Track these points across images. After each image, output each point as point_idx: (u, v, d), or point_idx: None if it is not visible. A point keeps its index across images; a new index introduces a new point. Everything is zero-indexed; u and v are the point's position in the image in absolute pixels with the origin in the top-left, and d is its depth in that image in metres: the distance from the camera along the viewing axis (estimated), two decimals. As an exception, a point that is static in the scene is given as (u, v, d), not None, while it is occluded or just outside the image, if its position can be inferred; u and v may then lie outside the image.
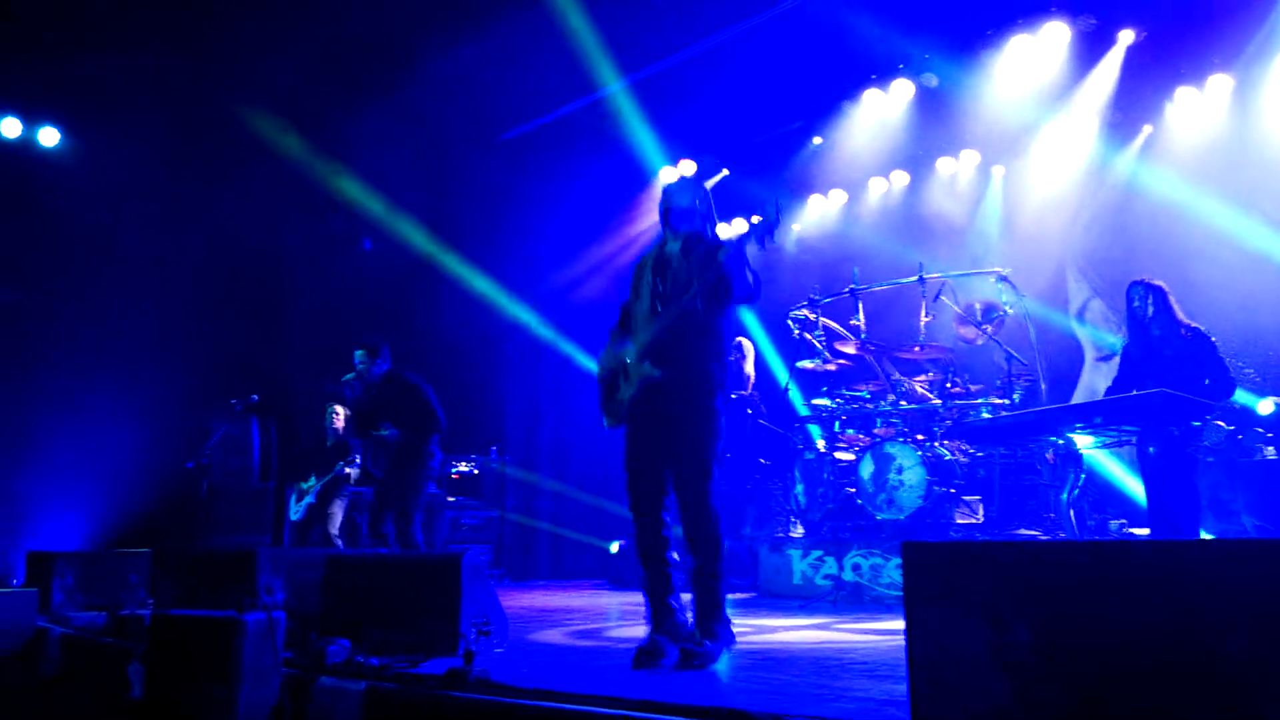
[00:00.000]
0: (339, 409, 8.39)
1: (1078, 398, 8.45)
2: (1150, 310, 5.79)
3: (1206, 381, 5.57)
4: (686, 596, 4.05)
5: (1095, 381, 8.62)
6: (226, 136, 9.26)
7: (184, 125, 9.23)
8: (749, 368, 8.87)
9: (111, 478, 8.87)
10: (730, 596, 7.02)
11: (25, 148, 9.34)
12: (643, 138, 10.07)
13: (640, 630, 4.14)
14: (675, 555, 4.04)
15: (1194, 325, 5.77)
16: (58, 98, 9.20)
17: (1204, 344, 5.68)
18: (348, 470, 8.03)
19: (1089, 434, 5.94)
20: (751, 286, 3.99)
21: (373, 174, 10.12)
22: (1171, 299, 5.82)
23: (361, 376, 7.06)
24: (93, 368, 8.91)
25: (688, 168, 11.04)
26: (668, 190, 4.28)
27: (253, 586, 4.22)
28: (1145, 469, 5.58)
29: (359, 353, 7.09)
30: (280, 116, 9.35)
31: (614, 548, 8.85)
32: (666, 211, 4.23)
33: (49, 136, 9.44)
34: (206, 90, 8.95)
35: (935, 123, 9.52)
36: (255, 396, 8.17)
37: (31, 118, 9.34)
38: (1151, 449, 5.38)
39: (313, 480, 7.96)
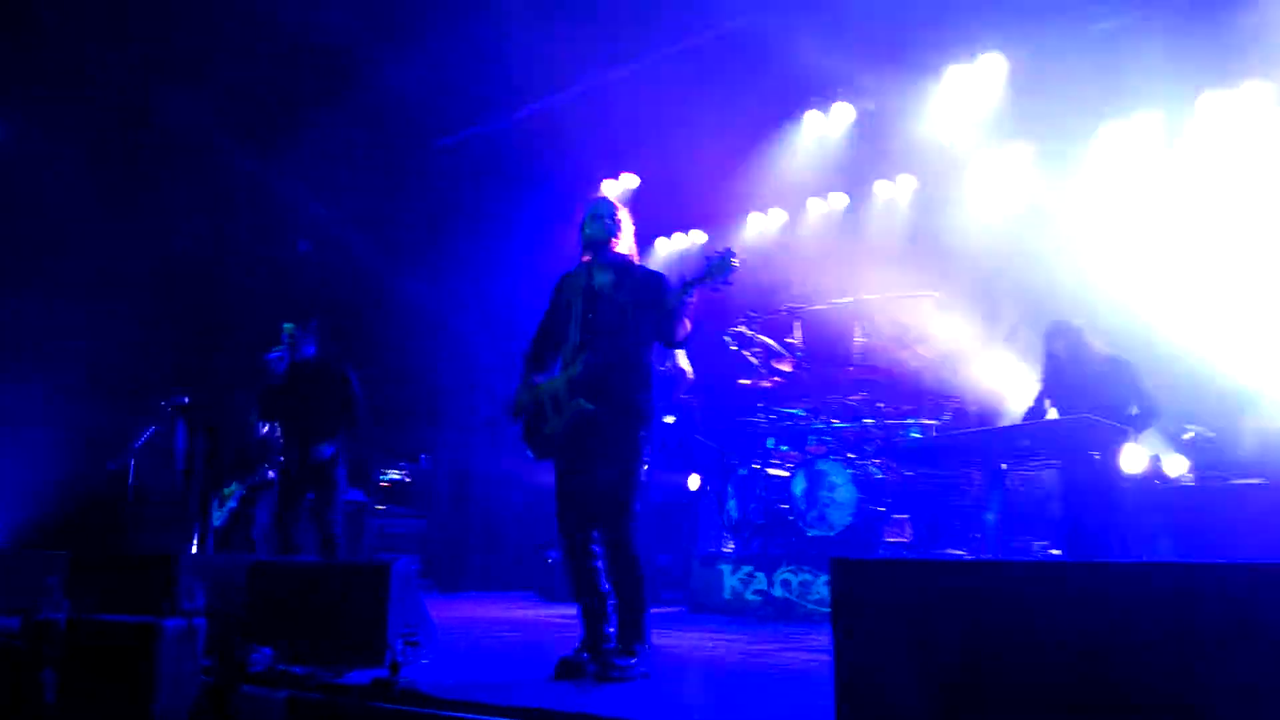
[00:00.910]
0: None
1: (1005, 421, 8.62)
2: (1065, 350, 6.02)
3: (1134, 409, 5.77)
4: None
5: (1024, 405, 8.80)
6: (161, 134, 9.08)
7: (117, 121, 9.03)
8: (684, 363, 8.89)
9: (30, 476, 8.61)
10: (661, 610, 7.06)
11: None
12: (584, 150, 10.08)
13: (568, 643, 4.13)
14: (607, 585, 4.03)
15: (1113, 355, 5.99)
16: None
17: (1125, 371, 5.88)
18: (271, 473, 7.77)
19: (1014, 457, 6.07)
20: (688, 334, 4.05)
21: (313, 176, 9.99)
22: (1086, 335, 6.04)
23: (290, 351, 6.57)
24: (12, 362, 8.65)
25: (629, 181, 11.08)
26: (595, 214, 4.19)
27: (173, 591, 4.13)
28: (1066, 492, 5.73)
29: (289, 326, 6.62)
30: (221, 117, 9.21)
31: (547, 559, 8.81)
32: (593, 238, 4.15)
33: (-27, 127, 9.16)
34: (142, 87, 8.77)
35: (874, 146, 9.68)
36: (185, 398, 7.99)
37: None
38: (1077, 473, 5.53)
39: (234, 485, 7.76)
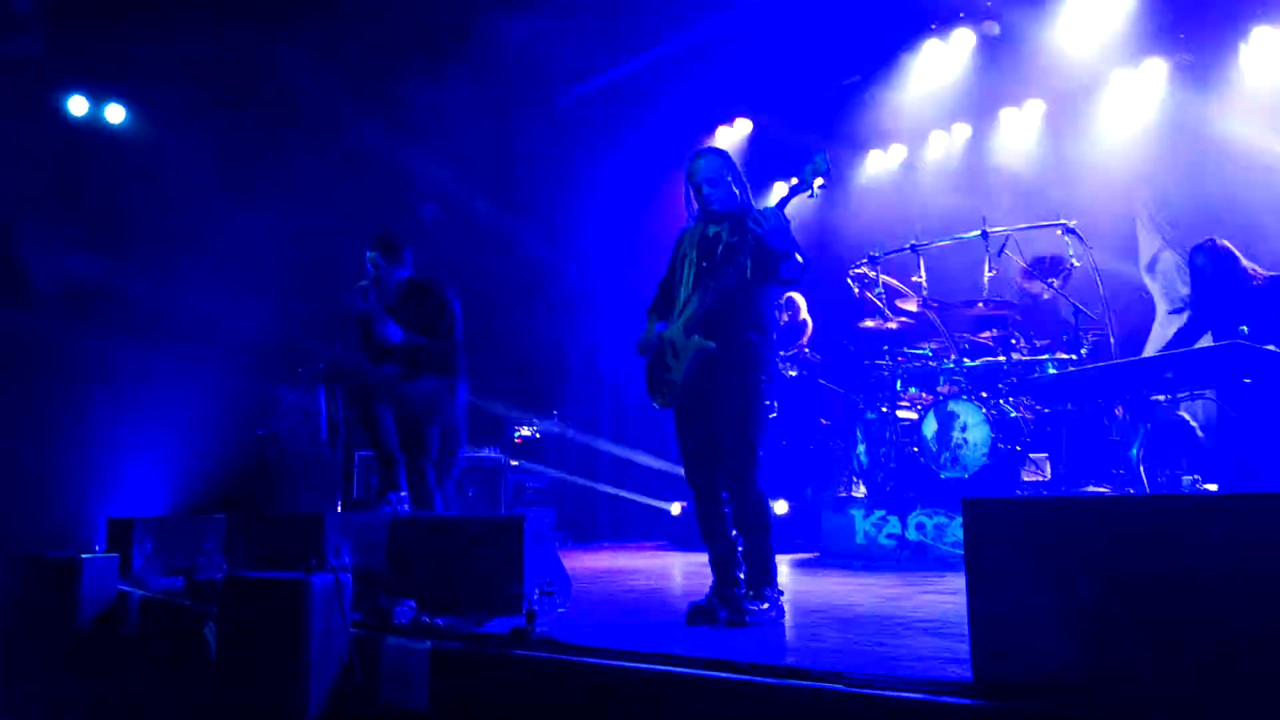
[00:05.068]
0: None
1: (1149, 351, 8.24)
2: (1210, 268, 5.72)
3: None
4: None
5: (1167, 335, 8.39)
6: (288, 107, 9.38)
7: (246, 97, 9.36)
8: (805, 315, 8.81)
9: (186, 445, 9.10)
10: (792, 556, 7.06)
11: (93, 125, 9.53)
12: (697, 98, 9.98)
13: (700, 590, 4.17)
14: (735, 531, 4.03)
15: (1266, 274, 5.67)
16: (123, 75, 9.37)
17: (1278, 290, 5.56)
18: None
19: (1160, 388, 5.80)
20: (800, 266, 3.95)
21: (434, 141, 10.16)
22: (1238, 255, 5.72)
23: (378, 283, 5.80)
24: (164, 339, 9.11)
25: (743, 126, 10.93)
26: (697, 168, 4.11)
27: (321, 550, 4.31)
28: (1220, 423, 5.45)
29: (371, 253, 5.81)
30: (343, 85, 9.45)
31: (675, 509, 8.88)
32: (699, 189, 4.09)
33: (115, 114, 9.61)
34: (269, 62, 9.05)
35: (998, 72, 9.29)
36: (322, 365, 8.30)
37: (98, 95, 9.52)
38: (1228, 403, 5.25)
39: None
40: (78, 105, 9.42)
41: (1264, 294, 5.59)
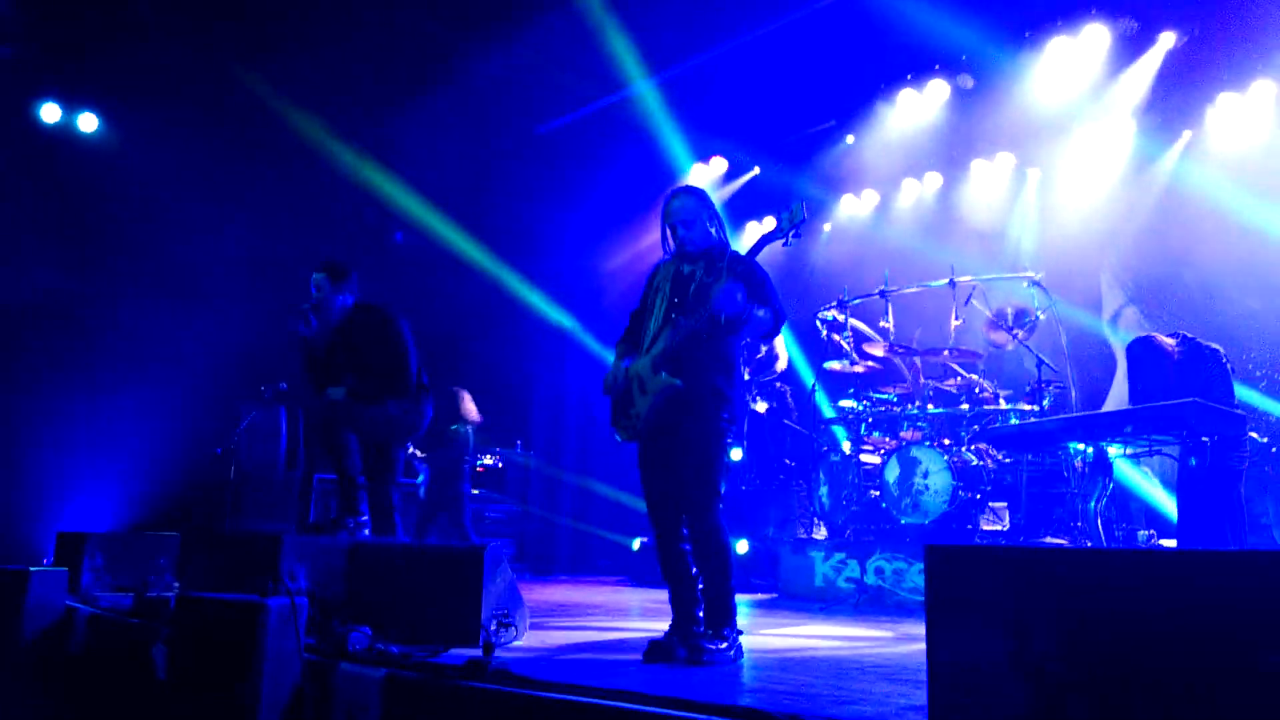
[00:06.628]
0: (464, 394, 8.19)
1: (1109, 405, 8.36)
2: (1136, 363, 5.84)
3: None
4: None
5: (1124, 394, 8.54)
6: (262, 128, 9.35)
7: (221, 116, 9.33)
8: (780, 349, 8.82)
9: (142, 461, 8.96)
10: (751, 596, 7.04)
11: (64, 133, 9.45)
12: (674, 135, 10.07)
13: (658, 627, 4.14)
14: (695, 569, 4.02)
15: (1177, 346, 5.75)
16: (96, 84, 9.31)
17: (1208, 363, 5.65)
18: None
19: (1119, 443, 5.87)
20: (768, 323, 3.97)
21: (407, 167, 10.16)
22: (1157, 339, 5.83)
23: (318, 307, 5.57)
24: (125, 352, 9.01)
25: (719, 165, 11.02)
26: (673, 208, 4.10)
27: (277, 572, 4.24)
28: (1181, 479, 5.51)
29: (317, 275, 5.62)
30: (318, 109, 9.44)
31: (635, 545, 8.85)
32: (674, 229, 4.08)
33: (88, 122, 9.53)
34: (244, 82, 9.03)
35: (970, 124, 9.46)
36: (284, 385, 8.21)
37: (70, 103, 9.44)
38: (1193, 460, 5.32)
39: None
40: (50, 112, 9.33)
41: (1181, 367, 5.66)
